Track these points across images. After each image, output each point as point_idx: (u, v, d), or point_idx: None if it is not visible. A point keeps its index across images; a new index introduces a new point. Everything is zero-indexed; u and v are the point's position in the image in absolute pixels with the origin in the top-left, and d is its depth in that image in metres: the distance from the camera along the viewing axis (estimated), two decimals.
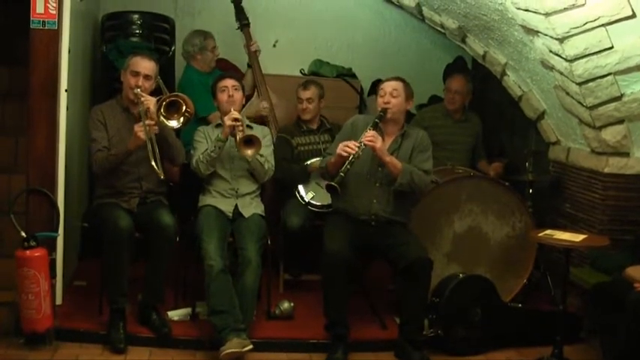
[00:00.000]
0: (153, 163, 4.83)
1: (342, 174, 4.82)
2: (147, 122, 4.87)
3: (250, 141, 5.09)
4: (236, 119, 5.14)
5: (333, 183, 4.79)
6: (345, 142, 4.94)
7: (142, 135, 4.85)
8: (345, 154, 4.88)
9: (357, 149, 4.86)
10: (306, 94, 6.09)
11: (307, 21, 7.86)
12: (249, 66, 6.69)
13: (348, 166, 4.83)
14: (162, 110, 4.94)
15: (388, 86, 5.21)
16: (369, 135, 4.92)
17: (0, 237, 5.10)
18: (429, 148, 5.27)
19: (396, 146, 5.19)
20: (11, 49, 5.98)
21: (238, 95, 5.45)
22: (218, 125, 5.40)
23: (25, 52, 5.00)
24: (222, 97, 5.39)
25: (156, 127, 4.91)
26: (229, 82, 5.43)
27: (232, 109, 5.26)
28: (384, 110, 5.14)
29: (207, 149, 5.26)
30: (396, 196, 5.12)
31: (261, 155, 5.39)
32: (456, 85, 6.49)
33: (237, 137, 5.10)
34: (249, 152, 5.10)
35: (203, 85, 6.12)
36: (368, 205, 5.13)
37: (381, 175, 5.13)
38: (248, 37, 6.66)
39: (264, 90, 6.51)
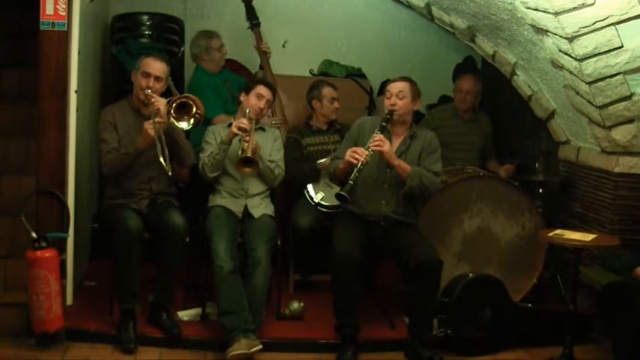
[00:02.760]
0: (161, 160, 4.83)
1: (351, 182, 4.81)
2: (156, 119, 4.88)
3: (249, 161, 5.07)
4: (243, 129, 5.14)
5: (342, 192, 4.79)
6: (354, 149, 4.93)
7: (151, 132, 4.86)
8: (354, 160, 4.86)
9: (365, 156, 4.85)
10: (336, 94, 6.13)
11: (317, 21, 7.86)
12: (261, 68, 6.70)
13: (357, 174, 4.82)
14: (172, 111, 4.95)
15: (394, 88, 5.19)
16: (377, 139, 4.91)
17: (11, 238, 5.12)
18: (437, 149, 5.25)
19: (404, 147, 5.18)
20: (22, 52, 6.01)
21: (266, 109, 5.48)
22: (230, 125, 5.36)
23: (35, 54, 5.01)
24: (255, 102, 5.36)
25: (165, 125, 4.92)
26: (267, 94, 5.41)
27: (247, 117, 5.27)
28: (391, 112, 5.12)
29: (212, 152, 5.27)
30: (404, 197, 5.11)
31: (272, 161, 5.40)
32: (467, 86, 6.48)
33: (240, 150, 5.11)
34: (247, 170, 5.09)
35: (211, 87, 6.13)
36: (377, 206, 5.13)
37: (389, 177, 5.12)
38: (259, 38, 6.66)
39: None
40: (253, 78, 5.54)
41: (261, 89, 5.41)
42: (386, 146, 4.94)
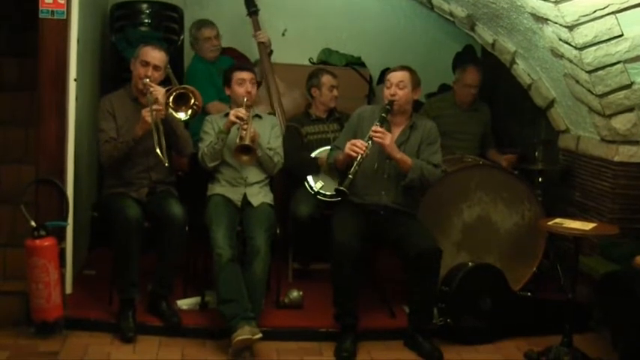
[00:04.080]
0: (157, 151, 4.82)
1: (350, 176, 4.80)
2: (154, 107, 4.87)
3: (247, 149, 5.06)
4: (240, 118, 5.12)
5: (342, 188, 4.78)
6: (353, 141, 4.91)
7: (148, 119, 4.85)
8: (353, 154, 4.85)
9: (365, 149, 4.83)
10: (336, 82, 6.10)
11: (316, 10, 7.86)
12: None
13: (357, 167, 4.81)
14: (170, 102, 4.95)
15: (394, 77, 5.16)
16: (378, 132, 4.90)
17: (10, 227, 5.12)
18: (437, 140, 5.24)
19: (404, 138, 5.16)
20: (21, 41, 6.00)
21: (254, 90, 5.44)
22: (227, 114, 5.34)
23: (35, 43, 5.00)
24: (239, 90, 5.35)
25: (163, 113, 4.91)
26: (247, 76, 5.39)
27: (244, 105, 5.24)
28: (391, 103, 5.10)
29: (211, 142, 5.26)
30: (404, 188, 5.10)
31: (270, 149, 5.39)
32: (472, 80, 6.43)
33: (237, 138, 5.10)
34: (245, 159, 5.09)
35: (205, 74, 6.11)
36: (376, 197, 5.13)
37: (389, 167, 5.11)
38: (256, 26, 6.64)
39: (271, 79, 6.48)
40: (226, 71, 5.48)
41: (238, 74, 5.39)
42: (387, 139, 4.92)
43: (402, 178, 5.07)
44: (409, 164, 4.99)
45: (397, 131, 5.18)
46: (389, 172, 5.12)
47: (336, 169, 5.27)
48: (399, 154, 5.00)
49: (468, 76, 6.48)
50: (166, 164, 4.89)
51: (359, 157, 4.81)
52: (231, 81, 5.39)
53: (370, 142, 4.87)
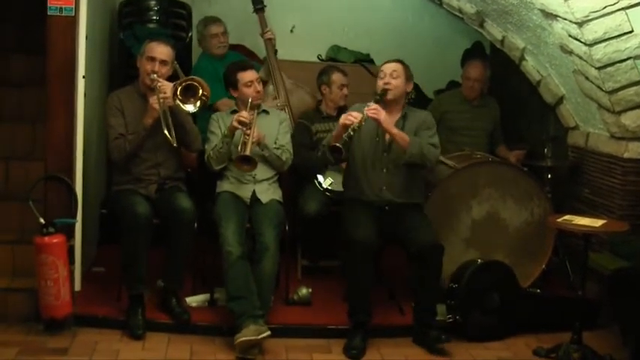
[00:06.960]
0: (165, 132, 4.82)
1: (346, 138, 4.79)
2: (161, 95, 4.87)
3: (247, 160, 5.03)
4: (243, 123, 5.07)
5: (337, 144, 4.76)
6: (349, 112, 4.93)
7: (156, 105, 4.86)
8: (348, 122, 4.82)
9: (360, 119, 4.80)
10: (346, 80, 6.10)
11: (325, 6, 7.85)
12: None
13: (352, 133, 4.79)
14: (178, 94, 4.93)
15: (387, 68, 5.19)
16: (372, 108, 4.89)
17: (19, 223, 5.14)
18: (433, 126, 5.25)
19: (398, 128, 5.13)
20: (29, 37, 6.01)
21: (261, 88, 5.43)
22: (233, 111, 5.34)
23: (43, 39, 5.00)
24: (248, 91, 5.30)
25: (170, 101, 4.90)
26: (254, 75, 5.36)
27: (248, 107, 5.21)
28: (384, 91, 5.10)
29: (216, 145, 5.24)
30: (405, 179, 5.10)
31: (278, 148, 5.37)
32: (475, 73, 6.42)
33: (240, 145, 5.07)
34: (245, 168, 5.07)
35: (212, 72, 6.07)
36: (378, 192, 5.13)
37: (387, 161, 5.11)
38: (263, 23, 6.62)
39: (278, 78, 6.45)
40: (227, 73, 5.44)
41: (245, 75, 5.34)
42: (382, 115, 4.91)
43: (400, 170, 5.08)
44: (407, 140, 4.97)
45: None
46: (387, 166, 5.11)
47: (330, 150, 5.19)
48: (394, 130, 4.99)
49: (471, 69, 6.48)
50: (175, 144, 4.89)
51: (354, 124, 4.80)
52: (238, 83, 5.36)
53: (366, 115, 4.84)
